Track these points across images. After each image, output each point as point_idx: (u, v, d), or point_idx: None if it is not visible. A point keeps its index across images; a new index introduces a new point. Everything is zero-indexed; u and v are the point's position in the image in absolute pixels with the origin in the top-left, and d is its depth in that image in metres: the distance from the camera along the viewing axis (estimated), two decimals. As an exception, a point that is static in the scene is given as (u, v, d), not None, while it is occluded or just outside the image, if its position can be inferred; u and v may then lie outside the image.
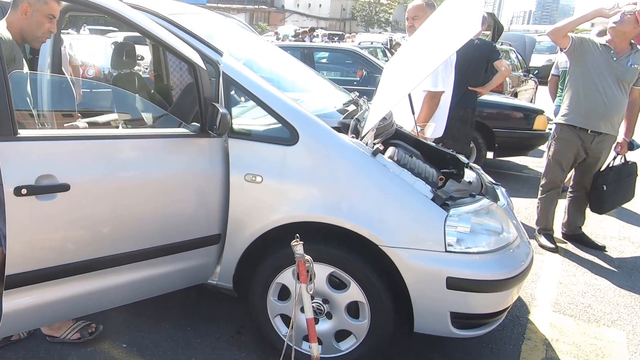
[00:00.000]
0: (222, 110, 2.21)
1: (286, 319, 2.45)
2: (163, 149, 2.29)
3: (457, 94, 4.53)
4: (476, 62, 4.59)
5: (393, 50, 11.99)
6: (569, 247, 4.12)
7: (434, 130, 3.47)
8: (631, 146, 3.98)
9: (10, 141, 1.89)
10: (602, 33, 4.47)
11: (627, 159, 4.02)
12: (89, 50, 7.27)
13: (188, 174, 2.34)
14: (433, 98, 3.50)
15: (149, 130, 2.62)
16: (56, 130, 2.64)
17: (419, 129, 3.23)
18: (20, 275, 1.99)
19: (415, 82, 2.35)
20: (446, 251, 2.17)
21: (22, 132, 1.93)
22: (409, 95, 3.07)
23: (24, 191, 1.89)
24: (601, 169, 4.00)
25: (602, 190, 3.93)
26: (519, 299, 3.21)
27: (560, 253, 3.97)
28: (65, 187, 1.99)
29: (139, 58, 5.51)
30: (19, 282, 2.01)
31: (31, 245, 2.00)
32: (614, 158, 4.01)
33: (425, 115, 3.50)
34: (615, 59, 3.70)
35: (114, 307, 2.38)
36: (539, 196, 4.18)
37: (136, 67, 4.24)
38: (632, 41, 3.74)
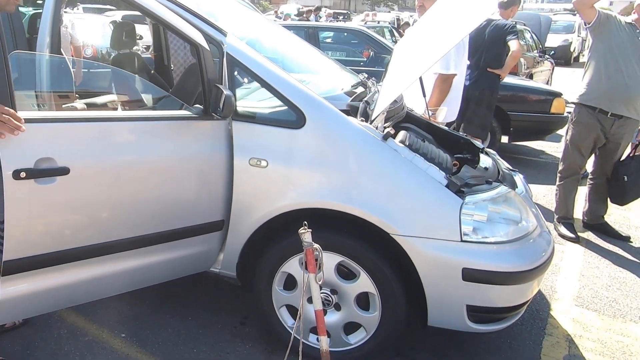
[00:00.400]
0: (226, 92, 2.13)
1: (292, 310, 2.37)
2: (165, 131, 2.23)
3: (473, 75, 4.40)
4: (490, 42, 4.41)
5: (401, 30, 11.78)
6: (591, 237, 3.96)
7: (446, 114, 3.36)
8: None
9: None
10: None
11: None
12: (86, 29, 7.14)
13: (190, 158, 2.28)
14: (445, 81, 3.40)
15: (151, 112, 2.57)
16: (57, 112, 2.60)
17: (430, 113, 3.12)
18: (17, 261, 1.95)
19: (427, 64, 2.27)
20: (462, 241, 2.07)
21: (22, 114, 1.86)
22: (420, 77, 2.95)
23: (23, 174, 1.84)
24: (622, 159, 3.86)
25: (623, 181, 3.78)
26: (539, 292, 3.07)
27: (582, 243, 3.82)
28: (65, 171, 1.94)
29: (138, 37, 5.40)
30: (17, 269, 1.96)
31: (30, 230, 1.95)
32: (636, 147, 3.85)
33: (437, 99, 3.41)
34: (640, 38, 3.53)
35: (113, 295, 2.32)
36: (557, 183, 4.04)
37: (135, 47, 4.14)
38: None
